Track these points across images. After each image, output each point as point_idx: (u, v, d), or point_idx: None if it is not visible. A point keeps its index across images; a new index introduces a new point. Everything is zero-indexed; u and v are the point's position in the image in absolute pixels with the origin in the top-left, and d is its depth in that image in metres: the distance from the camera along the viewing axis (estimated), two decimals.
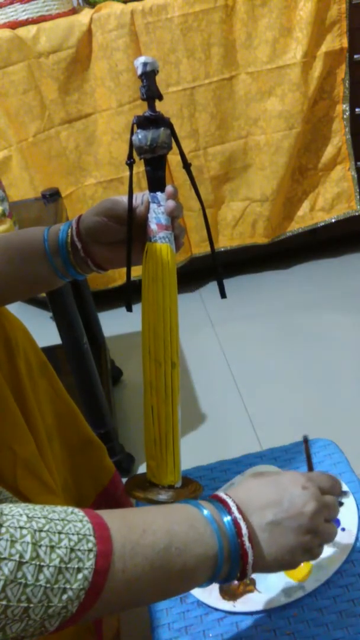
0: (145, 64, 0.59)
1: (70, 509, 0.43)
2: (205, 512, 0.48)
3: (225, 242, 1.81)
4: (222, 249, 1.82)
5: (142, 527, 0.44)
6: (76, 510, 0.43)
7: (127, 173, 0.74)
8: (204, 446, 1.27)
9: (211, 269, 1.90)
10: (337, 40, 1.51)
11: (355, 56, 1.55)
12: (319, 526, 0.51)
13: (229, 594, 0.63)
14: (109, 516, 0.44)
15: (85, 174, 1.64)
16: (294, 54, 1.50)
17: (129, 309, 0.69)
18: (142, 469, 1.23)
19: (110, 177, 1.63)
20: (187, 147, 1.61)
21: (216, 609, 0.62)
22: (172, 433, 0.66)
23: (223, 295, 0.70)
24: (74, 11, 1.53)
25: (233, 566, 0.48)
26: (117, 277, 1.78)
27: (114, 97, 1.50)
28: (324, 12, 1.48)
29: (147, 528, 0.44)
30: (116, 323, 1.69)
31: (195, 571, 0.46)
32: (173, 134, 0.62)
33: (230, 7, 1.46)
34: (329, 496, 0.54)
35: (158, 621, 0.62)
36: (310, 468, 0.64)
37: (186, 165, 0.65)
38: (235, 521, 0.48)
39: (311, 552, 0.52)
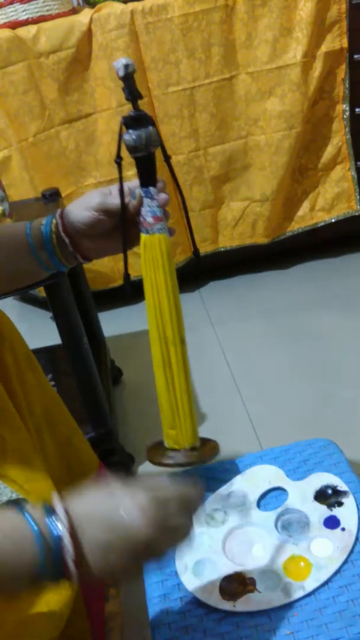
0: (127, 66, 0.60)
1: None
2: (35, 528, 0.44)
3: (225, 242, 1.81)
4: (222, 249, 1.82)
5: None
6: None
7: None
8: None
9: (212, 269, 1.91)
10: (337, 40, 1.51)
11: (355, 56, 1.55)
12: (156, 550, 0.48)
13: (229, 594, 0.63)
14: None
15: (85, 174, 1.64)
16: (294, 54, 1.50)
17: (128, 293, 0.71)
18: (142, 469, 1.23)
19: (110, 177, 1.63)
20: (187, 147, 1.61)
21: (216, 609, 0.62)
22: (189, 401, 0.73)
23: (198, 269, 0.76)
24: (74, 11, 1.53)
25: (55, 574, 0.45)
26: (117, 277, 1.78)
27: (114, 97, 1.50)
28: (324, 12, 1.48)
29: None
30: (116, 323, 1.69)
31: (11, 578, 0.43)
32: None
33: (230, 7, 1.46)
34: (176, 520, 0.49)
35: (158, 621, 0.62)
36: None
37: (167, 159, 0.68)
38: (61, 545, 0.44)
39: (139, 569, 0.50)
